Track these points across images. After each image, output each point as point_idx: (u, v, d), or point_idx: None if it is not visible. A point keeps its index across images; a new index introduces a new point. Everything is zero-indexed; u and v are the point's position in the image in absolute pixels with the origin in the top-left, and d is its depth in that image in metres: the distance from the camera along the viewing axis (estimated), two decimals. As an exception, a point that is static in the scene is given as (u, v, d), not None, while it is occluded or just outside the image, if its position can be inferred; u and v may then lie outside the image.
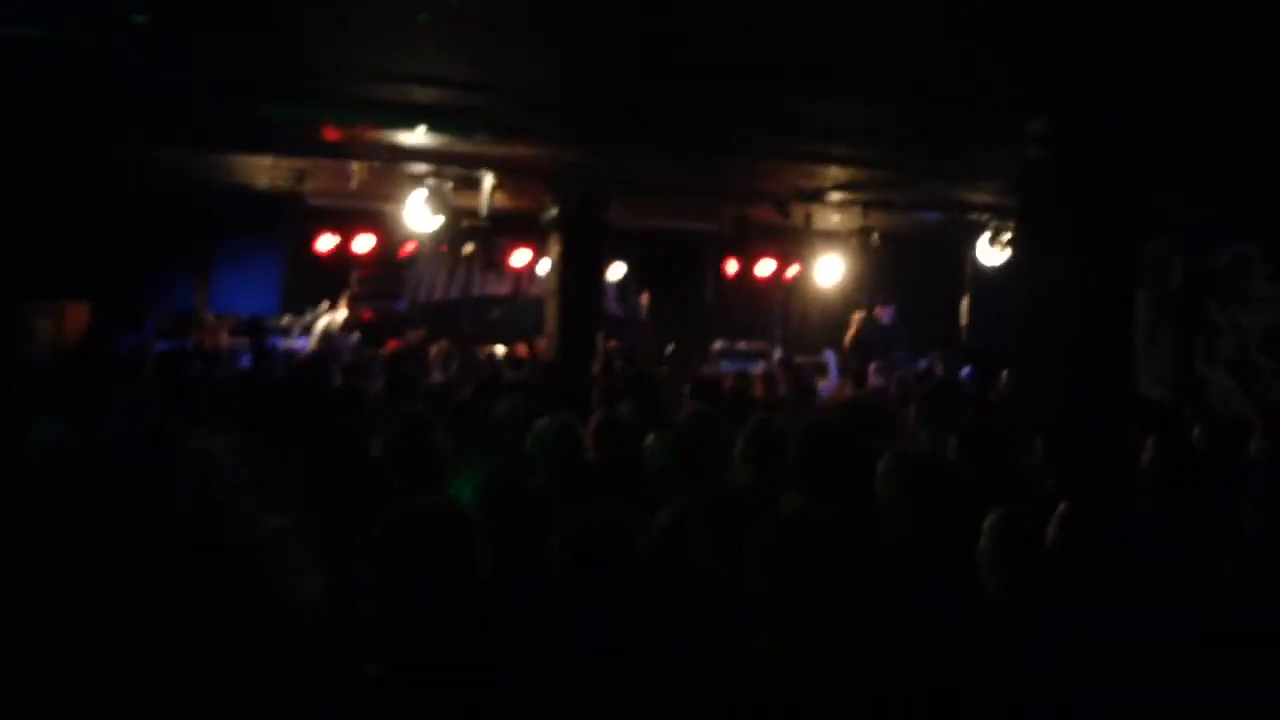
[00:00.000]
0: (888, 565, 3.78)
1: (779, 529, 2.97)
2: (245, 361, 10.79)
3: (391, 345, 11.93)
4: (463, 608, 2.65)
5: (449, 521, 2.76)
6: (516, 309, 16.08)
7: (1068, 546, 3.24)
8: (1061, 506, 3.35)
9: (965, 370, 12.92)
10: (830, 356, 13.16)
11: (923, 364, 12.90)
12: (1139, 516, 3.55)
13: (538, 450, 5.14)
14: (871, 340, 13.69)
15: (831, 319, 15.54)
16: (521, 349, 13.43)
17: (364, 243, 14.26)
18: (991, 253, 12.91)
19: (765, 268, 16.61)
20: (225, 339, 11.94)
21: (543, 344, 12.68)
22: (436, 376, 9.47)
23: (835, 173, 10.96)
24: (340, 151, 10.10)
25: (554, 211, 11.91)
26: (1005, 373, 9.59)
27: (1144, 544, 3.28)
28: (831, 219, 13.79)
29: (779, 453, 4.93)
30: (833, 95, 7.34)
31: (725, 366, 13.47)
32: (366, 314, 13.42)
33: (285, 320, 13.42)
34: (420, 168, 10.67)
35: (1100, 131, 6.84)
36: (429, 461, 4.92)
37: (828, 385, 11.45)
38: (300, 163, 11.07)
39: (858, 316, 14.01)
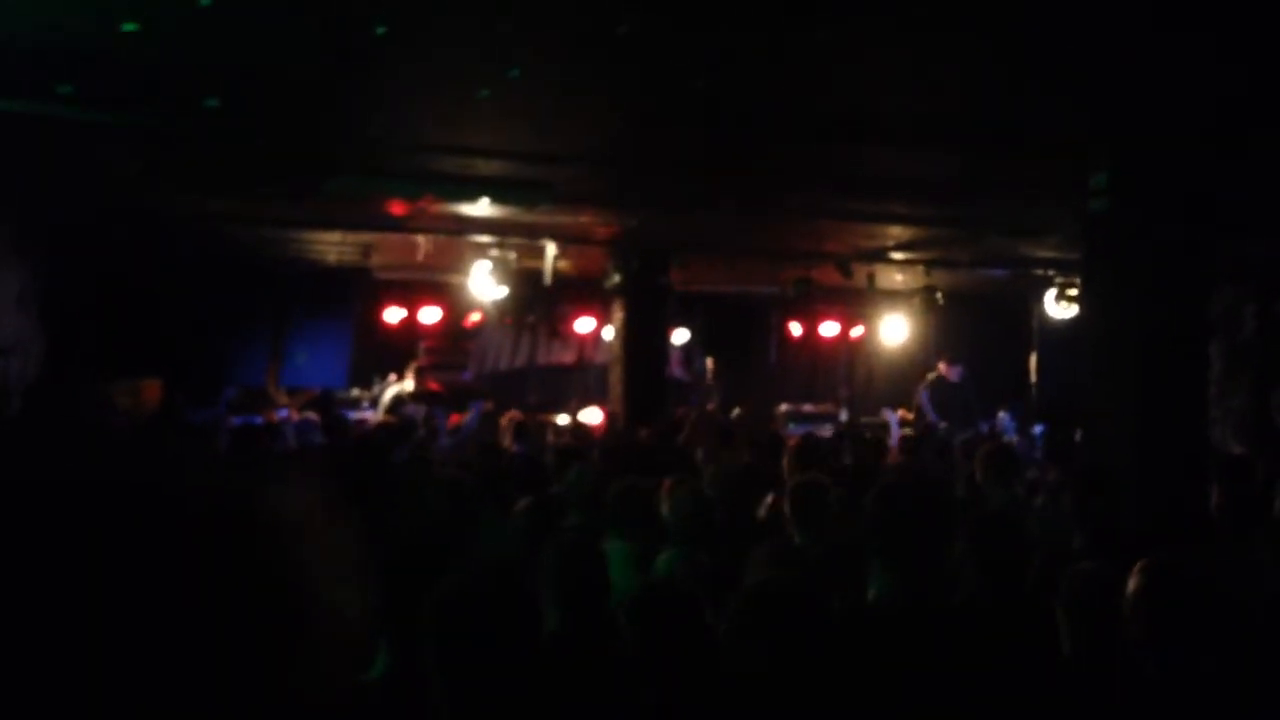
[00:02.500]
0: (957, 619, 3.72)
1: (746, 597, 2.83)
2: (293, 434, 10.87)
3: (454, 419, 12.02)
4: (525, 676, 2.63)
5: (505, 592, 2.74)
6: (582, 376, 16.14)
7: (1149, 602, 3.17)
8: (1141, 562, 3.28)
9: (1038, 428, 12.73)
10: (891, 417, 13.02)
11: (984, 427, 12.71)
12: (1219, 571, 3.47)
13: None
14: (942, 400, 13.55)
15: (897, 379, 15.43)
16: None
17: (430, 314, 14.46)
18: (1058, 308, 12.77)
19: (829, 329, 16.56)
20: (295, 415, 12.11)
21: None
22: (508, 445, 9.53)
23: (897, 231, 10.93)
24: (405, 225, 10.28)
25: (617, 277, 11.99)
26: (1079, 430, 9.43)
27: (1226, 599, 3.20)
28: (895, 278, 13.74)
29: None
30: (892, 150, 7.35)
31: (792, 429, 13.37)
32: (433, 385, 13.55)
33: (355, 393, 13.58)
34: (484, 238, 10.82)
35: (1164, 181, 6.77)
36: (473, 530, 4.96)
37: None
38: (367, 237, 11.28)
39: (929, 377, 13.87)
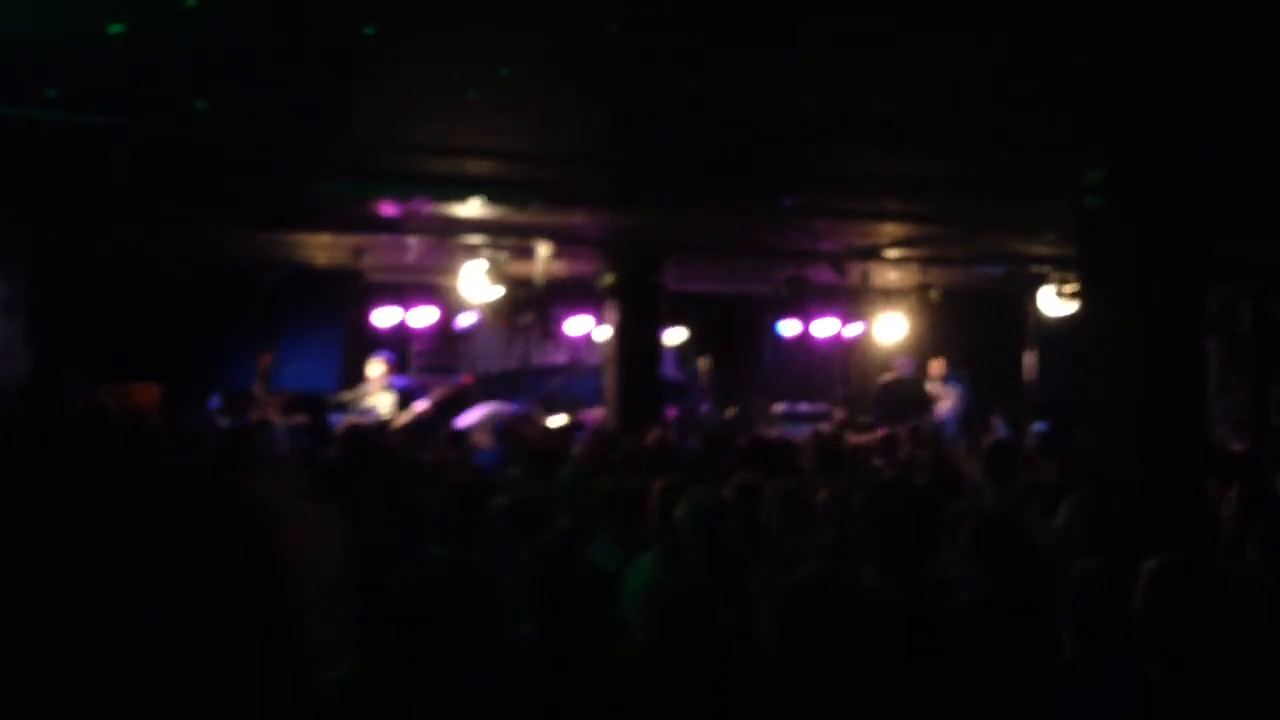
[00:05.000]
0: (959, 620, 3.68)
1: (792, 590, 2.78)
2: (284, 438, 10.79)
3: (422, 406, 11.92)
4: (486, 669, 2.58)
5: (460, 584, 2.70)
6: (575, 378, 16.09)
7: (1158, 602, 3.12)
8: (1150, 562, 3.23)
9: (1039, 426, 12.70)
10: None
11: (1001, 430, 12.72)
12: (1228, 570, 3.43)
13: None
14: (891, 403, 13.66)
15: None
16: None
17: (423, 316, 14.40)
18: (1055, 305, 12.74)
19: (824, 328, 16.52)
20: (277, 417, 12.05)
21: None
22: (486, 446, 9.49)
23: (891, 229, 10.89)
24: (396, 226, 10.22)
25: (610, 278, 11.94)
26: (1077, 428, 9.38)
27: (1236, 599, 3.16)
28: (889, 276, 13.70)
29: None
30: (885, 148, 7.31)
31: (789, 430, 13.34)
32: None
33: (346, 396, 13.51)
34: (476, 239, 10.76)
35: (1160, 177, 6.74)
36: (478, 530, 4.90)
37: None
38: (358, 239, 11.22)
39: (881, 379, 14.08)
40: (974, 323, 14.96)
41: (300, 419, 11.06)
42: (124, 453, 0.74)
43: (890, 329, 14.57)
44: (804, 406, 15.42)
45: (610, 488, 5.49)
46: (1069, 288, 12.26)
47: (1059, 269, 12.39)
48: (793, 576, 2.79)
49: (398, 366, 12.94)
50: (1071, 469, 7.19)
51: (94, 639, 0.65)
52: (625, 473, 7.08)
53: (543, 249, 10.87)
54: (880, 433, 9.93)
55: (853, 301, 15.13)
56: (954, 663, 3.26)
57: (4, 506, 0.68)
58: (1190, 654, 3.06)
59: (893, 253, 12.14)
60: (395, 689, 2.59)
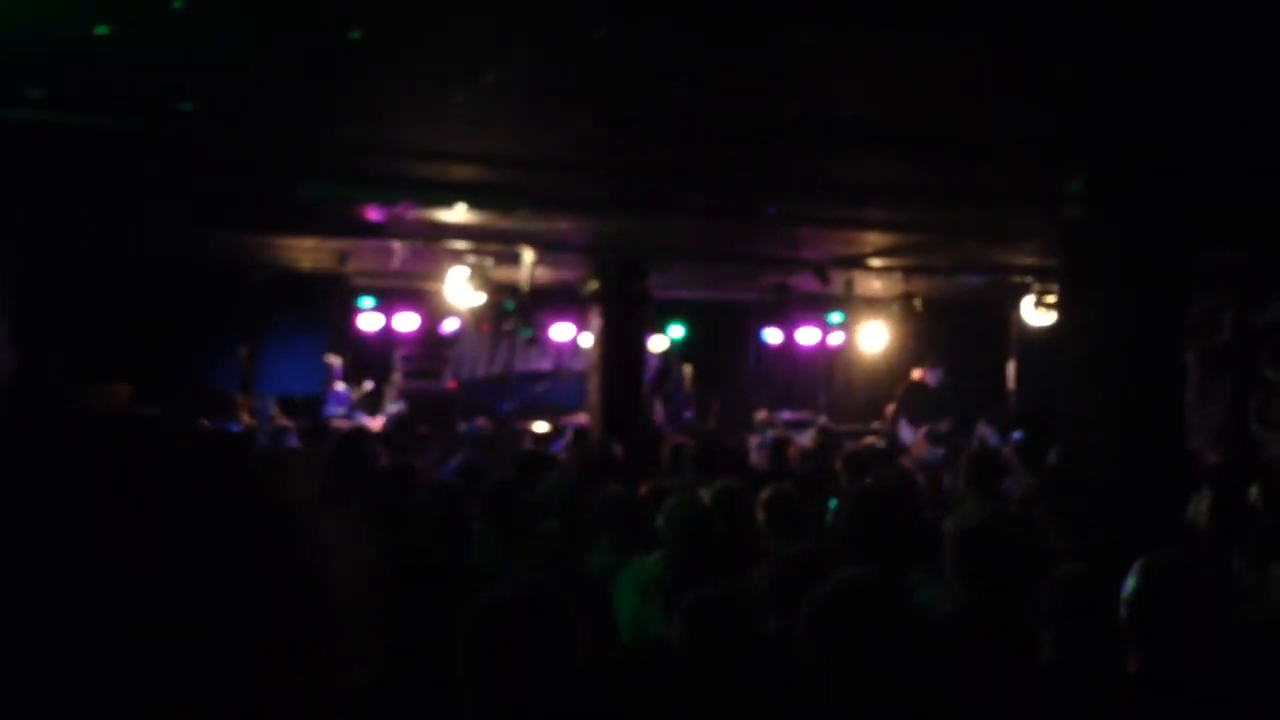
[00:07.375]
0: (943, 631, 3.70)
1: (833, 594, 2.86)
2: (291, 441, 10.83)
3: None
4: (563, 692, 2.58)
5: (546, 605, 2.69)
6: (560, 384, 16.08)
7: (1147, 601, 3.15)
8: (1140, 561, 3.26)
9: (1016, 434, 12.72)
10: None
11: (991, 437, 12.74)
12: (1208, 575, 3.47)
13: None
14: (918, 405, 13.58)
15: (876, 386, 15.42)
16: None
17: (407, 321, 14.39)
18: (1036, 315, 12.80)
19: (808, 336, 16.56)
20: (249, 419, 12.06)
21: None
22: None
23: (875, 238, 10.94)
24: (381, 231, 10.22)
25: (595, 283, 11.96)
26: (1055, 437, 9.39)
27: (1218, 602, 3.21)
28: (873, 285, 13.74)
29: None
30: (869, 157, 7.35)
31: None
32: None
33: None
34: (461, 244, 10.77)
35: (1140, 187, 6.79)
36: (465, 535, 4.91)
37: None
38: (342, 243, 11.21)
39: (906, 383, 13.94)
40: (956, 332, 15.01)
41: (287, 422, 11.05)
42: (148, 449, 0.75)
43: (874, 337, 14.61)
44: (786, 414, 15.44)
45: (612, 494, 5.50)
46: (1049, 297, 12.31)
47: (1041, 279, 12.45)
48: (831, 581, 2.85)
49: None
50: (1044, 478, 7.22)
51: (118, 643, 0.66)
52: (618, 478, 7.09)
53: (527, 254, 10.88)
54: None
55: (837, 309, 15.16)
56: (940, 672, 3.29)
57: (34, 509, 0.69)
58: (1175, 653, 3.09)
59: (876, 261, 12.19)
60: (430, 693, 2.59)
